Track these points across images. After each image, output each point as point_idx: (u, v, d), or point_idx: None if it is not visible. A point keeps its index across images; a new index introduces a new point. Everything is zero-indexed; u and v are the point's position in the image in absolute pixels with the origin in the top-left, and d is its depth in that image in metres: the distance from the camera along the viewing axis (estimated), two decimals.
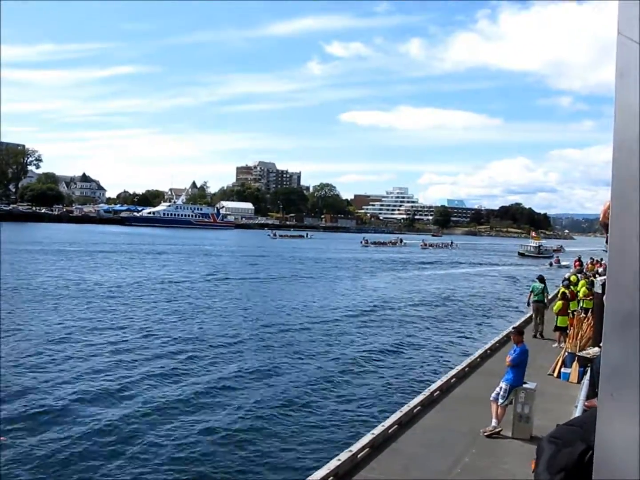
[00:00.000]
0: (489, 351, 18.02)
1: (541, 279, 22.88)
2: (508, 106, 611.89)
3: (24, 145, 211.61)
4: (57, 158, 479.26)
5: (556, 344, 19.08)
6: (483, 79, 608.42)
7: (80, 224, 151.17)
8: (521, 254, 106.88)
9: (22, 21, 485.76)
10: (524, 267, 77.33)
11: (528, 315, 25.14)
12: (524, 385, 11.06)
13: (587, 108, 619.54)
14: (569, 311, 19.81)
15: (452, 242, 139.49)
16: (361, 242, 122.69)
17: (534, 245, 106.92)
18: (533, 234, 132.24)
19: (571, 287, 22.85)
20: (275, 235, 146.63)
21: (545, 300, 22.40)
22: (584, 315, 19.46)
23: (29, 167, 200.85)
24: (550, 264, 76.08)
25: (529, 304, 23.22)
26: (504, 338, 19.60)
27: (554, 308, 20.05)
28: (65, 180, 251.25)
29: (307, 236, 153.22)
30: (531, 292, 22.73)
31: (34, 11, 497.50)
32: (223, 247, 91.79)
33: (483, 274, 66.75)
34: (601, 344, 1.49)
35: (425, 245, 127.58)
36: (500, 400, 11.04)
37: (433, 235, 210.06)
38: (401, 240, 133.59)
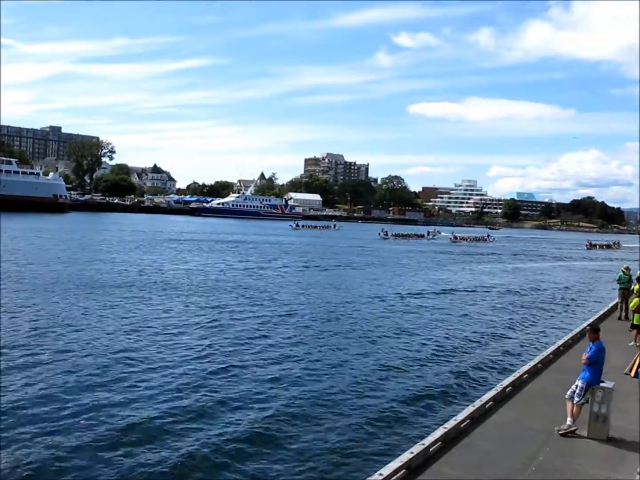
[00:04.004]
0: (561, 348, 17.65)
1: (627, 269, 24.79)
2: (581, 96, 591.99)
3: (98, 138, 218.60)
4: (130, 149, 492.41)
5: (632, 343, 18.54)
6: (555, 69, 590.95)
7: (151, 214, 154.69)
8: None
9: (95, 17, 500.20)
10: None
11: (603, 311, 25.53)
12: (601, 384, 10.77)
13: None
14: None
15: (488, 236, 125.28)
16: (379, 233, 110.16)
17: None
18: None
19: None
20: (297, 225, 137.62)
21: (631, 288, 22.98)
22: None
23: (103, 159, 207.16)
24: None
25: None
26: (577, 335, 19.17)
27: (631, 305, 19.54)
28: (137, 171, 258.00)
29: (334, 227, 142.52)
30: (618, 280, 24.69)
31: (107, 6, 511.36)
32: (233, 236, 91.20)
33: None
34: None
35: (456, 238, 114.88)
36: (576, 399, 10.81)
37: (490, 229, 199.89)
38: (429, 233, 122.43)
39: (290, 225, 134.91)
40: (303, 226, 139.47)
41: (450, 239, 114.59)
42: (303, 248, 74.70)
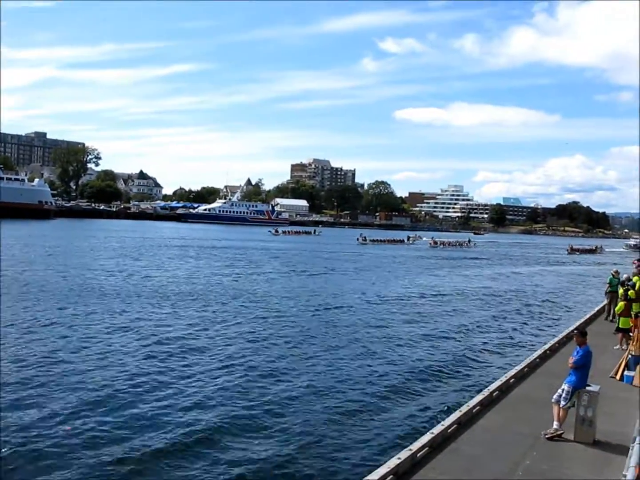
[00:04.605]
0: (548, 352, 17.72)
1: (617, 272, 25.75)
2: (566, 102, 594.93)
3: (84, 144, 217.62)
4: (116, 155, 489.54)
5: (618, 346, 18.65)
6: (540, 75, 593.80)
7: (138, 221, 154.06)
8: None
9: (83, 22, 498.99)
10: None
11: (589, 315, 25.92)
12: (587, 388, 10.81)
13: None
14: (632, 313, 19.32)
15: (469, 241, 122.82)
16: (357, 239, 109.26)
17: None
18: None
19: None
20: (277, 231, 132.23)
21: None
22: None
23: (89, 165, 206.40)
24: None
25: (606, 294, 25.85)
26: (564, 338, 19.26)
27: (617, 309, 19.68)
28: (123, 177, 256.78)
29: (315, 232, 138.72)
30: (609, 284, 25.35)
31: (95, 12, 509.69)
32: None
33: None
34: None
35: (436, 243, 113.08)
36: (563, 402, 10.84)
37: (475, 234, 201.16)
38: (409, 238, 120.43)
39: (270, 232, 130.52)
40: (283, 232, 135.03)
41: (430, 244, 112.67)
42: (283, 254, 73.51)
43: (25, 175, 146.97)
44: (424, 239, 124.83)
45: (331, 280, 46.12)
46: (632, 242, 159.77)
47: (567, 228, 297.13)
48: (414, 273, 56.10)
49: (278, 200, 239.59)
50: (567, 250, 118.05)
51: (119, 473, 11.07)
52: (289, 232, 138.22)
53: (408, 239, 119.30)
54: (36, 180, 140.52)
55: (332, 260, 66.95)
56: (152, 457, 11.79)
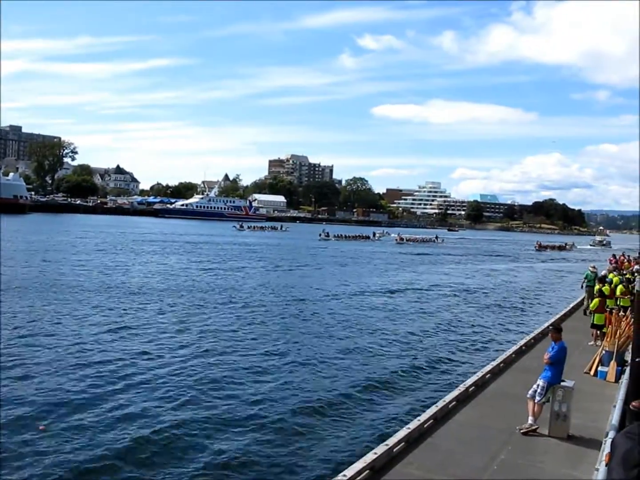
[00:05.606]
0: (524, 347, 17.86)
1: (594, 268, 26.94)
2: (543, 100, 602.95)
3: (59, 138, 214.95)
4: (93, 150, 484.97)
5: (592, 342, 18.87)
6: (518, 73, 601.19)
7: (114, 216, 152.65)
8: None
9: (60, 15, 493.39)
10: None
11: (564, 311, 25.96)
12: (562, 383, 10.92)
13: (624, 102, 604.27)
14: (607, 308, 19.53)
15: (437, 237, 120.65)
16: (320, 234, 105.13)
17: None
18: None
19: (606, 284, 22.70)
20: (242, 226, 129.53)
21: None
22: (623, 314, 19.13)
23: (65, 159, 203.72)
24: None
25: (582, 287, 27.16)
26: (539, 335, 19.42)
27: (591, 305, 19.91)
28: (100, 172, 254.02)
29: (281, 228, 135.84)
30: (585, 278, 26.52)
31: (72, 4, 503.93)
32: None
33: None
34: None
35: (402, 239, 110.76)
36: (538, 398, 10.93)
37: (449, 230, 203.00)
38: (375, 234, 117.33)
39: (235, 227, 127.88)
40: (249, 227, 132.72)
41: (396, 239, 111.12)
42: (240, 251, 71.66)
43: (0, 169, 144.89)
44: (392, 235, 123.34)
45: (304, 276, 46.20)
46: (597, 238, 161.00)
47: (543, 225, 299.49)
48: (384, 269, 56.35)
49: (256, 195, 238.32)
50: (535, 247, 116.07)
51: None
52: (254, 227, 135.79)
53: (374, 235, 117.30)
54: (11, 174, 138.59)
55: (301, 257, 66.45)
56: (126, 455, 11.76)
